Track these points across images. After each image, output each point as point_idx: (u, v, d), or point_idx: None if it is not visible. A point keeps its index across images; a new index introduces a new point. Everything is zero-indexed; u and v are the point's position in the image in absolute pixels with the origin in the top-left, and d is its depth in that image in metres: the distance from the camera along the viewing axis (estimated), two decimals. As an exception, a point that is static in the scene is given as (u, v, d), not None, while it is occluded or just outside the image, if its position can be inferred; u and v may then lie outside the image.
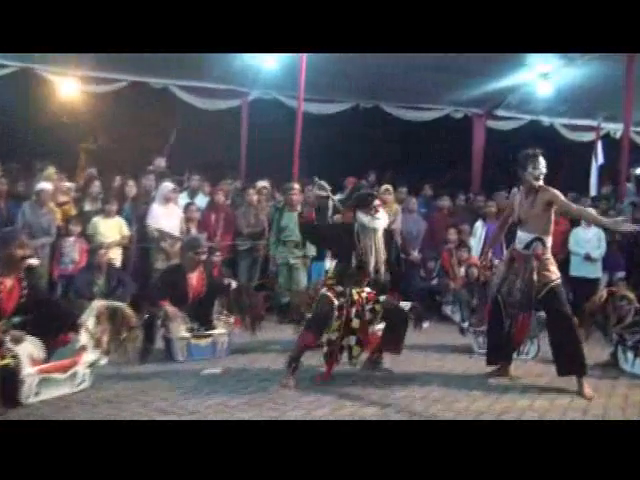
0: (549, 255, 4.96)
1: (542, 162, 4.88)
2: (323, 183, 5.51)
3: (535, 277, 4.87)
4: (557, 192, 4.88)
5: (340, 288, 4.95)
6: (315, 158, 9.34)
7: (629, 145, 9.55)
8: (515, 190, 5.16)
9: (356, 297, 4.94)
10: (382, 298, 5.10)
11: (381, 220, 4.96)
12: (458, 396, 4.73)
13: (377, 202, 5.02)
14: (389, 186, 8.59)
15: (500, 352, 5.22)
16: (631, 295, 6.69)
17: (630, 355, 5.99)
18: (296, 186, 7.82)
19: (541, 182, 4.89)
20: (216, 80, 10.35)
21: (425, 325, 7.71)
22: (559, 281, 4.93)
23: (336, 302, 4.85)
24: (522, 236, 4.97)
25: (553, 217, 4.93)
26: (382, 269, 4.95)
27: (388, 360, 5.45)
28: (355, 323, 4.92)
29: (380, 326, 5.15)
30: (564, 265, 8.20)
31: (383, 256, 4.94)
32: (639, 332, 6.18)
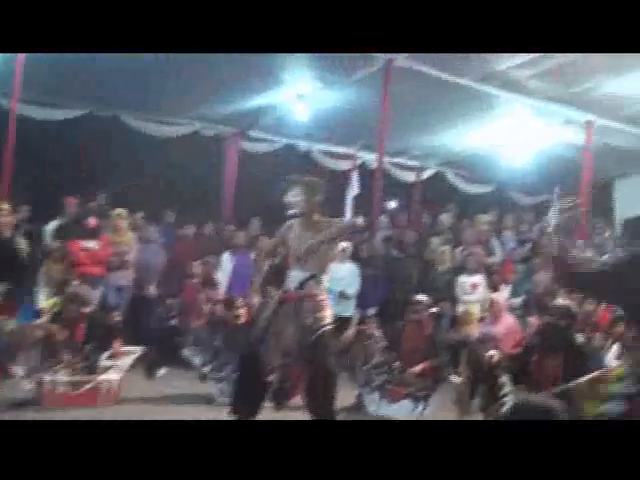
0: (324, 296, 4.91)
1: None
2: None
3: (309, 321, 4.75)
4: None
5: None
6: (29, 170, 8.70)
7: (382, 176, 10.29)
8: (290, 222, 5.03)
9: None
10: None
11: None
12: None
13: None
14: (123, 210, 8.32)
15: (249, 403, 5.02)
16: (379, 333, 7.16)
17: (376, 396, 6.34)
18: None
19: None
20: None
21: (162, 372, 7.61)
22: (330, 327, 4.85)
23: None
24: (295, 274, 4.90)
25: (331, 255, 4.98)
26: None
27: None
28: None
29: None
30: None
31: None
32: (386, 372, 6.59)
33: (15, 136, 8.11)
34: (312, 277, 4.84)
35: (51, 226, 8.22)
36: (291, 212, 4.91)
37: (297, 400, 5.22)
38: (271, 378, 4.84)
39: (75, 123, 10.43)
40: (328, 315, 4.86)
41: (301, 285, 4.84)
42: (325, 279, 4.93)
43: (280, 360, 4.82)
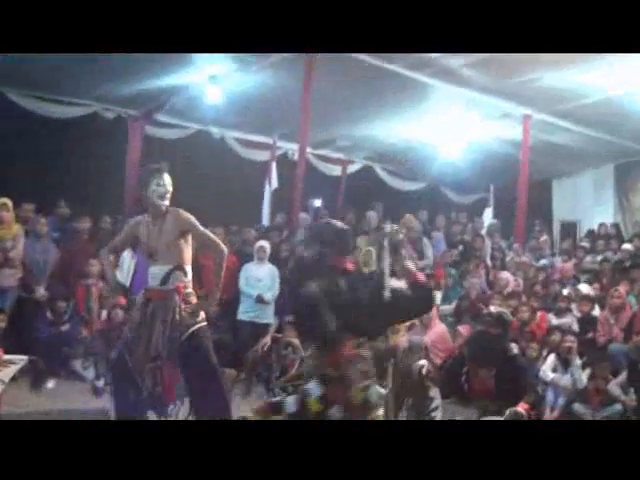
0: (191, 289, 4.98)
1: (167, 179, 4.95)
2: None
3: (178, 317, 4.82)
4: (190, 216, 4.96)
5: None
6: None
7: (304, 169, 10.31)
8: (139, 218, 5.07)
9: None
10: None
11: None
12: None
13: None
14: (6, 200, 8.15)
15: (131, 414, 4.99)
16: (296, 342, 7.17)
17: (292, 409, 6.33)
18: None
19: (167, 202, 4.94)
20: None
21: (50, 385, 7.41)
22: (204, 323, 4.93)
23: None
24: (155, 270, 4.93)
25: (191, 244, 4.99)
26: None
27: None
28: None
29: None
30: (230, 307, 8.52)
31: None
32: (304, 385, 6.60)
33: None
34: (175, 269, 4.87)
35: None
36: (164, 203, 4.90)
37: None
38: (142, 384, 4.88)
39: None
40: (198, 308, 4.93)
41: (164, 280, 4.87)
42: (189, 270, 4.96)
43: (150, 363, 4.85)
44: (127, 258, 8.59)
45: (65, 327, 8.10)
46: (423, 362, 5.98)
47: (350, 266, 3.83)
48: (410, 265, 3.82)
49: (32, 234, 8.46)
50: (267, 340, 8.07)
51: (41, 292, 8.27)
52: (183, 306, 4.85)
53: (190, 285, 4.97)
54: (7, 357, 6.36)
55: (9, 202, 8.24)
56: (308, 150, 11.64)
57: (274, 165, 12.37)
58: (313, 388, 3.53)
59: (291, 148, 12.82)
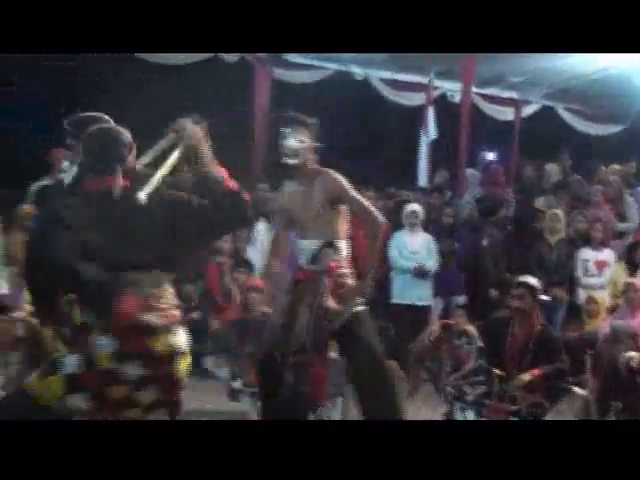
0: (346, 269, 5.07)
1: (310, 132, 5.02)
2: None
3: (330, 303, 4.93)
4: (342, 178, 5.02)
5: None
6: None
7: (469, 113, 10.22)
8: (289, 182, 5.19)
9: None
10: None
11: None
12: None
13: None
14: None
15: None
16: (472, 329, 7.19)
17: (471, 414, 6.40)
18: None
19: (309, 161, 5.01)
20: None
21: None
22: (362, 308, 5.02)
23: None
24: (304, 245, 5.06)
25: (347, 213, 5.08)
26: None
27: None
28: None
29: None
30: (382, 287, 8.61)
31: None
32: (483, 383, 6.64)
33: None
34: (326, 245, 4.96)
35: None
36: (292, 162, 4.98)
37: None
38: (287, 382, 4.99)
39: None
40: (355, 290, 4.99)
41: (313, 258, 4.99)
42: (343, 245, 5.04)
43: (293, 358, 4.95)
44: (262, 230, 8.86)
45: (195, 315, 8.37)
46: (633, 354, 5.93)
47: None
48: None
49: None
50: (435, 328, 8.06)
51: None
52: (336, 289, 4.94)
53: (345, 264, 5.06)
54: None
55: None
56: (473, 90, 11.56)
57: (431, 110, 12.27)
58: (105, 341, 3.47)
59: (451, 88, 12.74)
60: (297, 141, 4.95)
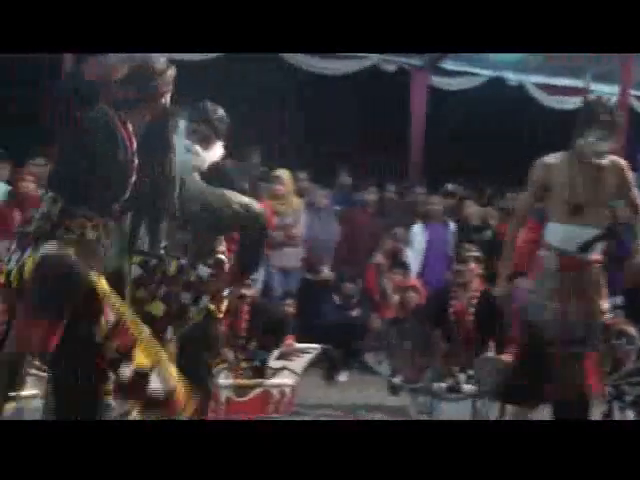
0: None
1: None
2: None
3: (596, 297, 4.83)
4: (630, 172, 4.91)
5: None
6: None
7: (628, 116, 10.06)
8: (557, 156, 4.98)
9: None
10: None
11: None
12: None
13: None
14: (283, 172, 8.73)
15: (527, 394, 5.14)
16: (632, 330, 7.10)
17: (631, 414, 6.37)
18: None
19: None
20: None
21: (342, 378, 8.04)
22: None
23: None
24: (575, 231, 4.83)
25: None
26: None
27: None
28: None
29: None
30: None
31: None
32: (644, 384, 6.59)
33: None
34: (604, 236, 4.83)
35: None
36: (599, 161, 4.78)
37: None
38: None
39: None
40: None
41: (585, 246, 4.81)
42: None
43: (565, 348, 4.77)
44: (419, 234, 8.98)
45: (355, 311, 8.66)
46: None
47: None
48: None
49: (311, 208, 8.99)
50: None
51: (327, 272, 8.81)
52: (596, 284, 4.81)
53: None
54: (300, 346, 6.95)
55: (285, 173, 8.73)
56: (631, 92, 11.39)
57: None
58: None
59: (609, 92, 12.53)
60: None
